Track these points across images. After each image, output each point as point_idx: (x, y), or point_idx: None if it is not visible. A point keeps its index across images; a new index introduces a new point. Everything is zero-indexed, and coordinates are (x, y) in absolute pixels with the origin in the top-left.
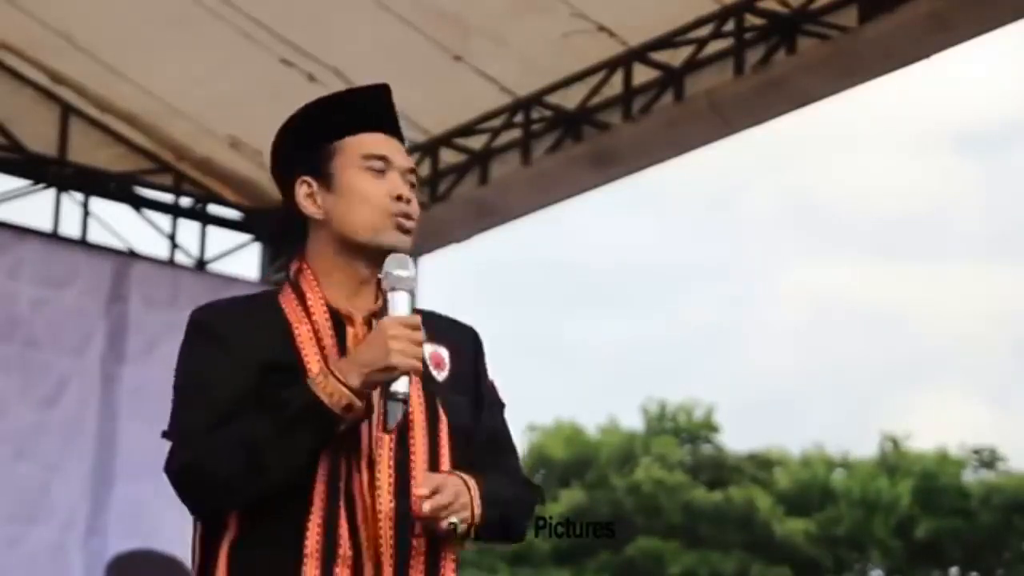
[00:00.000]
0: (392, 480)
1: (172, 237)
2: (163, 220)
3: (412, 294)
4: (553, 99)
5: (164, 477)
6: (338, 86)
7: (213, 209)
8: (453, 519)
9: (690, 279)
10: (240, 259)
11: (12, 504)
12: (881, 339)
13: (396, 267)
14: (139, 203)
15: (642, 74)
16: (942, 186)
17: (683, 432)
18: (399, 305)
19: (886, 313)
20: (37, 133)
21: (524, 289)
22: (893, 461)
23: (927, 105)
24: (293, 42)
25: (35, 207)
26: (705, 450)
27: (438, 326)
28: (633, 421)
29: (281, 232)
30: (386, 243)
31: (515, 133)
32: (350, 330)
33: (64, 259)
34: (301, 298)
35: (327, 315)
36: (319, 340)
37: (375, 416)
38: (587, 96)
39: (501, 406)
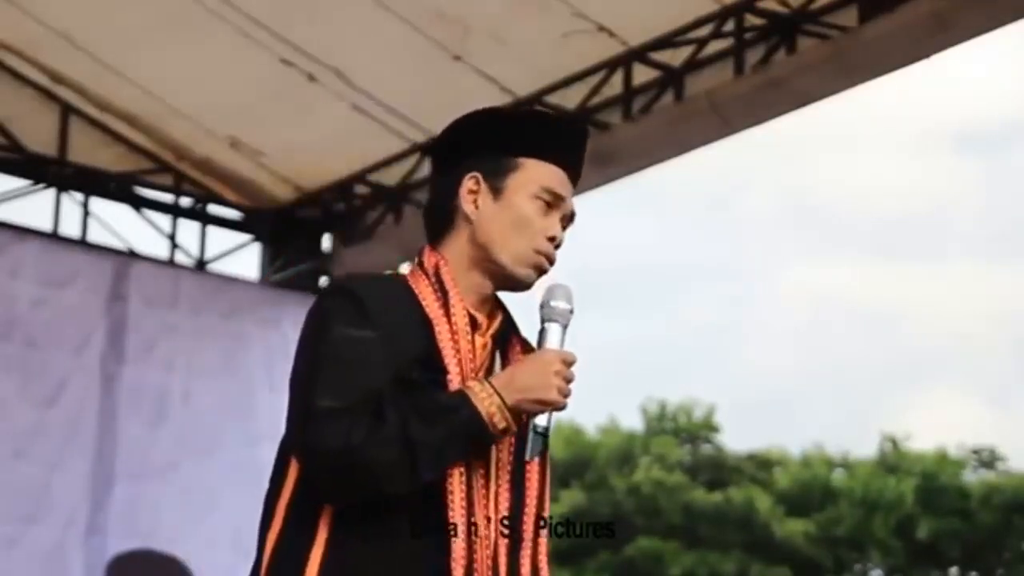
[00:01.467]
0: (508, 504)
1: (172, 237)
2: (163, 220)
3: (566, 328)
4: (553, 99)
5: (164, 477)
6: (338, 86)
7: (213, 209)
8: (544, 421)
9: (690, 279)
10: (240, 259)
11: (12, 504)
12: (881, 339)
13: (560, 299)
14: (139, 203)
15: (642, 74)
16: (942, 186)
17: (683, 432)
18: (553, 338)
19: (886, 313)
20: (37, 133)
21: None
22: (893, 461)
23: (927, 105)
24: (293, 42)
25: (35, 207)
26: (705, 450)
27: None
28: (633, 421)
29: (280, 232)
30: (519, 275)
31: None
32: (479, 339)
33: (64, 259)
34: (443, 294)
35: (467, 319)
36: (455, 342)
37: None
38: (587, 96)
39: None
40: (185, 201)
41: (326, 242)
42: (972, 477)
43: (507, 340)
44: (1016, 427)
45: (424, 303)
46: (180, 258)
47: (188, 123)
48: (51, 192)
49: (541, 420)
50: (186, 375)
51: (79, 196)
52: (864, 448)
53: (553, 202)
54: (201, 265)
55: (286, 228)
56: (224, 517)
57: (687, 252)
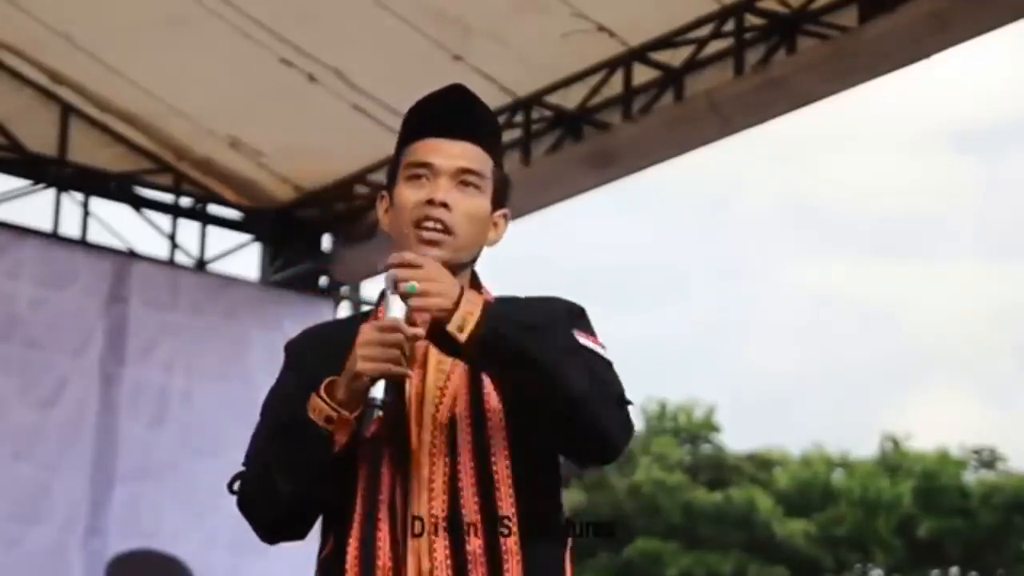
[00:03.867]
0: (445, 481)
1: (172, 237)
2: (163, 220)
3: (404, 298)
4: (553, 99)
5: (164, 477)
6: (338, 86)
7: (213, 209)
8: (413, 282)
9: (690, 279)
10: (240, 259)
11: (12, 504)
12: (881, 339)
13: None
14: (139, 203)
15: (642, 74)
16: (942, 185)
17: (683, 432)
18: (393, 308)
19: (886, 313)
20: (37, 133)
21: (523, 289)
22: (893, 461)
23: (926, 105)
24: (293, 42)
25: (35, 207)
26: (705, 450)
27: (519, 311)
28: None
29: (280, 232)
30: (419, 251)
31: (515, 133)
32: (420, 344)
33: (64, 259)
34: (376, 312)
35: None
36: None
37: (412, 422)
38: (587, 96)
39: (578, 347)
40: (185, 201)
41: (326, 242)
42: (972, 477)
43: None
44: (1016, 427)
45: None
46: (180, 258)
47: (188, 123)
48: (51, 192)
49: (375, 392)
50: (186, 375)
51: (79, 196)
52: (864, 448)
53: (423, 171)
54: (201, 265)
55: (286, 228)
56: (224, 517)
57: (687, 252)
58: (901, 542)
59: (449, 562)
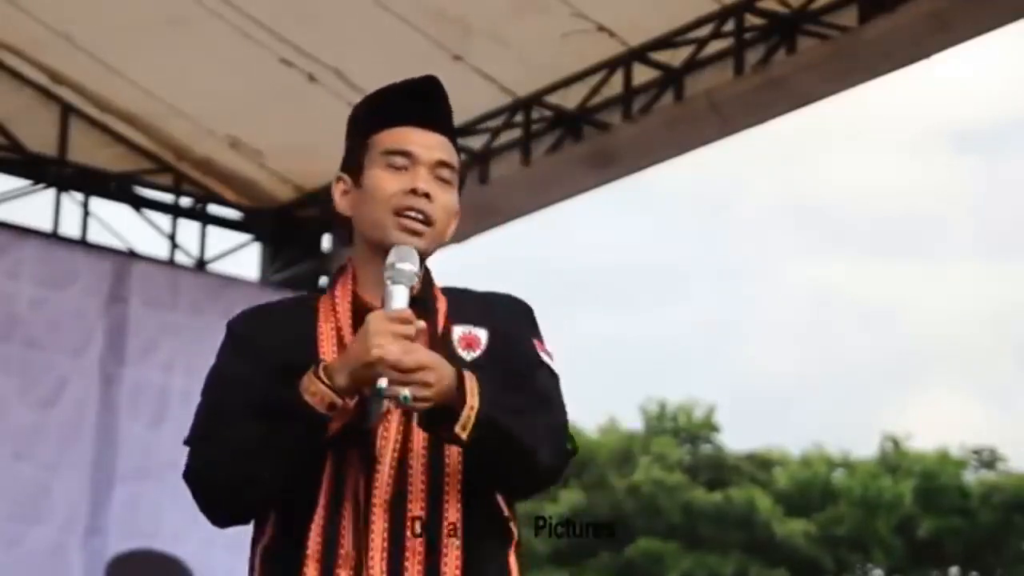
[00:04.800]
0: (392, 473)
1: (172, 237)
2: (163, 220)
3: (412, 288)
4: (553, 99)
5: (164, 477)
6: (338, 86)
7: (213, 209)
8: (406, 392)
9: (690, 278)
10: (240, 259)
11: (12, 504)
12: (881, 338)
13: (398, 259)
14: (139, 203)
15: (642, 74)
16: (941, 185)
17: (682, 432)
18: (396, 299)
19: (886, 312)
20: (37, 133)
21: (523, 289)
22: (894, 461)
23: (926, 104)
24: (293, 42)
25: (35, 207)
26: (704, 450)
27: (475, 304)
28: (632, 421)
29: (280, 232)
30: (388, 242)
31: (515, 133)
32: None
33: (64, 259)
34: (331, 296)
35: (350, 310)
36: (340, 337)
37: (380, 412)
38: (587, 96)
39: (540, 364)
40: (185, 201)
41: (326, 242)
42: (972, 477)
43: (425, 306)
44: (1016, 427)
45: (320, 309)
46: (180, 258)
47: (188, 123)
48: (51, 192)
49: (382, 382)
50: (186, 375)
51: (79, 196)
52: (864, 448)
53: (404, 161)
54: (201, 265)
55: (286, 228)
56: None
57: (687, 252)
58: (901, 542)
59: (386, 546)
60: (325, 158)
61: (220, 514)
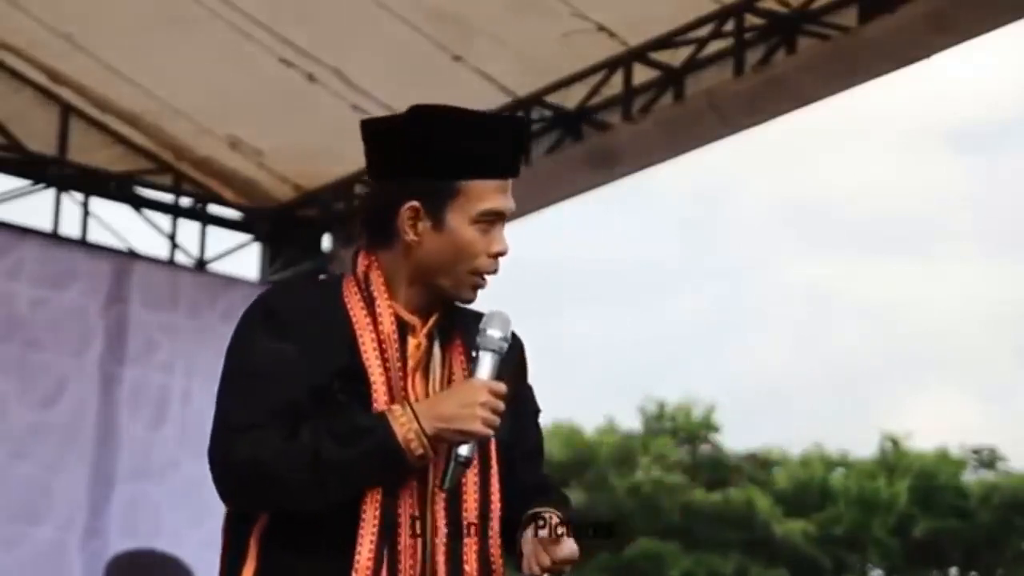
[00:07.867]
0: (445, 523)
1: (172, 237)
2: (163, 220)
3: (501, 357)
4: (553, 99)
5: (164, 477)
6: (338, 86)
7: (213, 209)
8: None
9: (688, 278)
10: (240, 259)
11: (12, 504)
12: (880, 338)
13: (496, 328)
14: (139, 203)
15: (642, 74)
16: (939, 184)
17: (682, 432)
18: (484, 367)
19: (885, 312)
20: (37, 133)
21: (522, 289)
22: (892, 461)
23: (923, 104)
24: (293, 42)
25: (35, 207)
26: (704, 450)
27: (478, 327)
28: (631, 421)
29: (280, 232)
30: (460, 297)
31: None
32: (411, 340)
33: (64, 259)
34: (369, 303)
35: (394, 324)
36: (383, 351)
37: (460, 476)
38: (587, 96)
39: (538, 413)
40: (185, 201)
41: (326, 242)
42: (972, 477)
43: (448, 336)
44: (1016, 427)
45: (351, 311)
46: (180, 258)
47: (188, 123)
48: (51, 192)
49: (463, 450)
50: (186, 376)
51: (79, 196)
52: (864, 448)
53: (495, 220)
54: (201, 265)
55: (286, 228)
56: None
57: (686, 251)
58: (900, 542)
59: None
60: (325, 158)
61: (243, 504)
